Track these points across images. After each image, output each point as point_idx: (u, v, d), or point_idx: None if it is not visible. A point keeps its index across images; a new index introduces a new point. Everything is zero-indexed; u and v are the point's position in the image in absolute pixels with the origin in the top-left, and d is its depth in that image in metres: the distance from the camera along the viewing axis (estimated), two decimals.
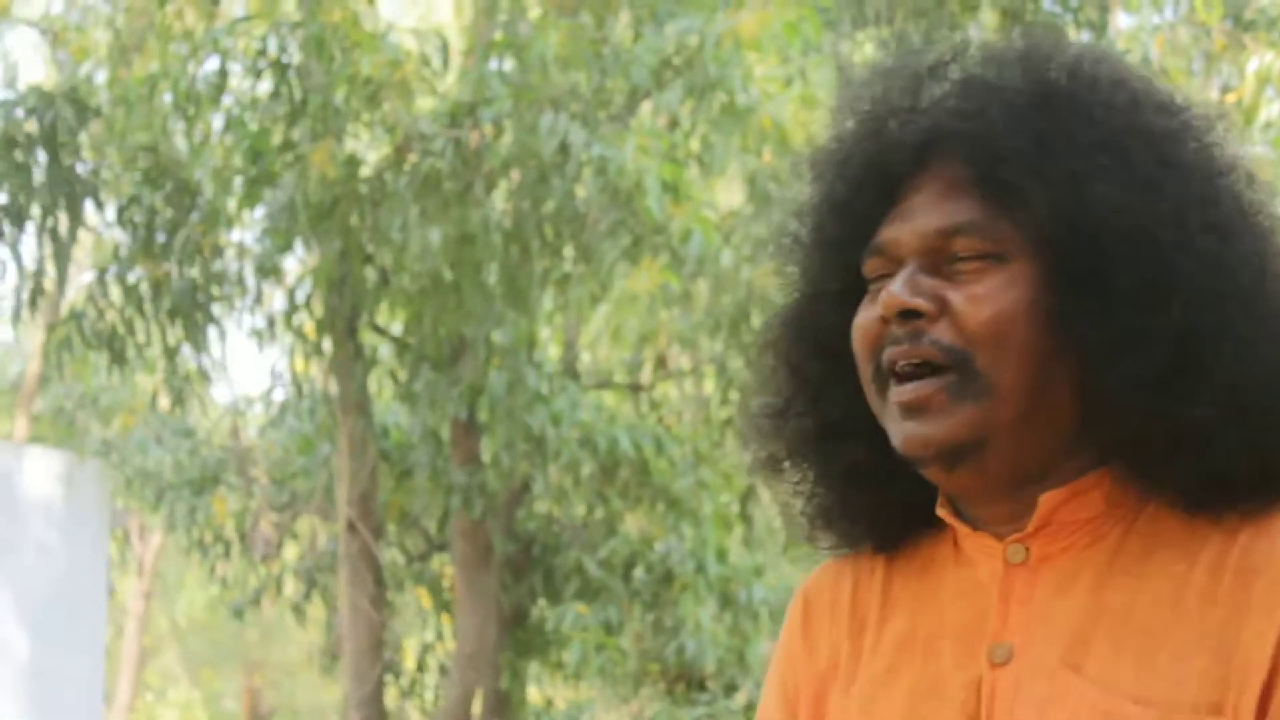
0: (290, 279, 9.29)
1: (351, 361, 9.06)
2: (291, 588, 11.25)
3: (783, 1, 7.51)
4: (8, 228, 8.72)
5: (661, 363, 10.89)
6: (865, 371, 1.42)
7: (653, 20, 7.93)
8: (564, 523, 10.01)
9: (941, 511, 1.46)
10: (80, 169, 8.87)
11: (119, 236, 9.20)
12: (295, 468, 10.61)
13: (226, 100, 8.30)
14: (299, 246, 8.80)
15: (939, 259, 1.39)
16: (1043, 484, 1.40)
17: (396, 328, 9.73)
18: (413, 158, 7.85)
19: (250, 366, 37.05)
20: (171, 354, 9.10)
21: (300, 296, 8.98)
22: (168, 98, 8.26)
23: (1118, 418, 1.36)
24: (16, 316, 8.93)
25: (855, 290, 1.45)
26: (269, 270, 8.92)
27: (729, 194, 10.52)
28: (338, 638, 10.23)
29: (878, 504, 1.50)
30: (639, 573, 9.75)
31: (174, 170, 8.74)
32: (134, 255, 8.92)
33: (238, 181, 8.41)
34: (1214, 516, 1.36)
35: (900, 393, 1.38)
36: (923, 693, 1.42)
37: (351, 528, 9.29)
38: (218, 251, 8.96)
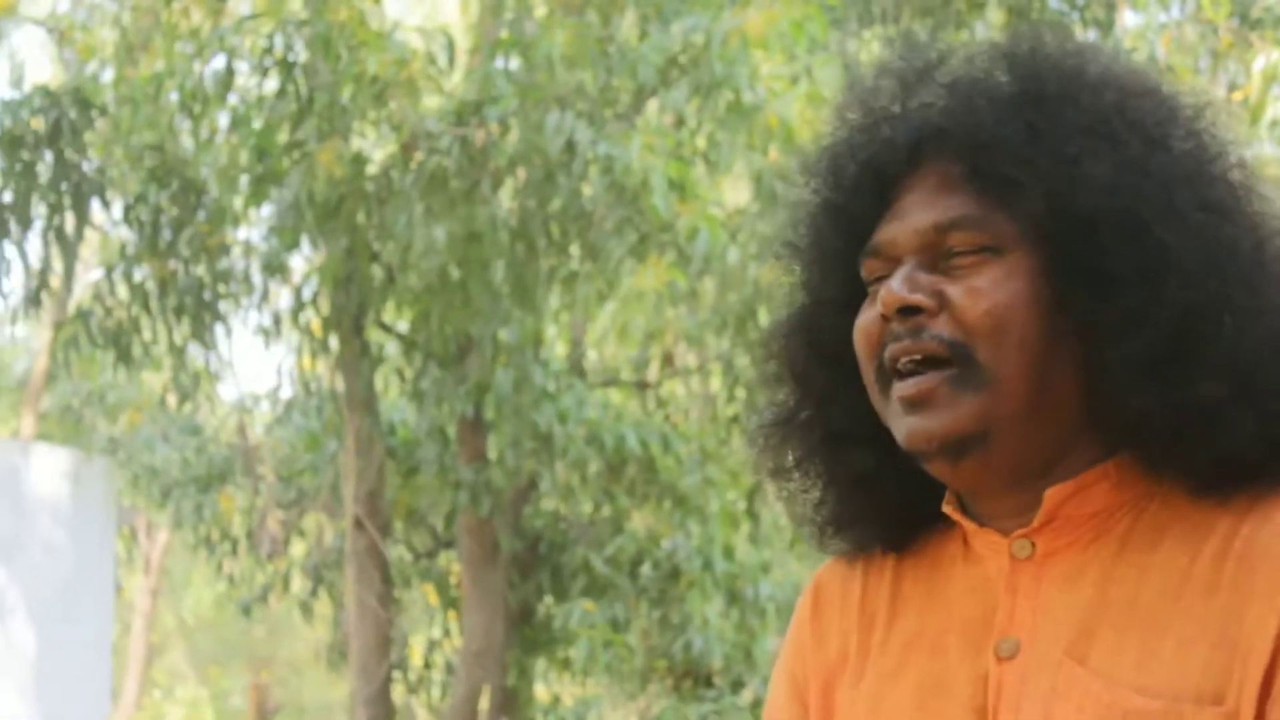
0: (297, 277, 9.30)
1: (358, 359, 9.07)
2: (298, 585, 11.26)
3: (789, 0, 7.51)
4: (14, 226, 8.73)
5: (668, 360, 10.89)
6: (868, 372, 1.43)
7: (659, 19, 7.93)
8: (571, 520, 10.02)
9: (948, 508, 1.46)
10: (86, 167, 8.89)
11: (125, 235, 9.22)
12: (302, 465, 10.62)
13: (233, 99, 8.31)
14: (305, 244, 8.80)
15: (936, 255, 1.40)
16: (1048, 477, 1.40)
17: (403, 325, 9.73)
18: (419, 156, 7.85)
19: (257, 364, 37.09)
20: (178, 352, 9.11)
21: (307, 294, 8.99)
22: (174, 96, 8.27)
23: (1122, 401, 1.36)
24: (23, 314, 8.95)
25: (857, 296, 1.45)
26: (275, 268, 8.93)
27: (735, 192, 10.52)
28: (345, 635, 10.24)
29: (887, 508, 1.51)
30: (646, 570, 9.75)
31: (180, 169, 8.75)
32: (140, 253, 8.93)
33: (244, 180, 8.42)
34: (1222, 500, 1.37)
35: (902, 388, 1.39)
36: (930, 688, 1.43)
37: (358, 525, 9.30)
38: (224, 249, 8.98)
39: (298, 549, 11.50)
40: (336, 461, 9.88)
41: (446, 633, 10.97)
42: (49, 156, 8.76)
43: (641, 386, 11.00)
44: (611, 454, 9.43)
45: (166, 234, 8.89)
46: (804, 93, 7.86)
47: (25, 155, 8.70)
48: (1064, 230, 1.36)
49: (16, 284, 32.94)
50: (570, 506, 9.97)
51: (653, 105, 8.31)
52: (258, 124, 8.24)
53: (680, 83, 7.71)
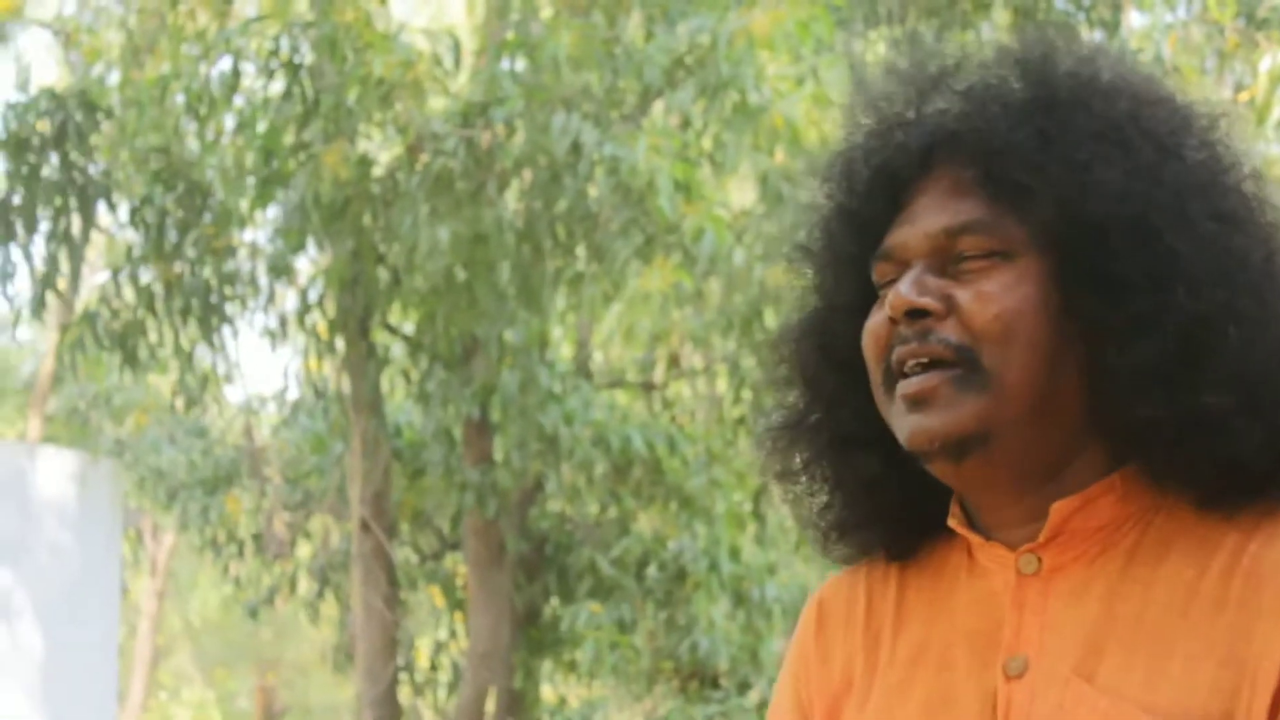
0: (303, 279, 9.31)
1: (364, 361, 9.07)
2: (305, 587, 11.26)
3: (795, 0, 7.51)
4: (20, 229, 8.73)
5: (674, 362, 10.89)
6: (875, 375, 1.43)
7: (665, 20, 7.93)
8: (577, 521, 10.02)
9: (953, 522, 1.46)
10: (92, 170, 8.89)
11: (131, 237, 9.22)
12: (308, 467, 10.63)
13: (238, 101, 8.32)
14: (311, 246, 8.81)
15: (946, 259, 1.40)
16: (1052, 485, 1.40)
17: (409, 327, 9.74)
18: (425, 158, 7.85)
19: (263, 366, 37.13)
20: (185, 354, 9.12)
21: (313, 296, 9.00)
22: (180, 98, 8.28)
23: (1127, 407, 1.36)
24: (30, 316, 8.96)
25: (868, 300, 1.45)
26: (281, 270, 8.93)
27: (741, 193, 10.52)
28: (351, 637, 10.24)
29: (892, 513, 1.50)
30: (652, 571, 9.75)
31: (186, 171, 8.75)
32: (146, 256, 8.94)
33: (250, 182, 8.43)
34: (1228, 514, 1.36)
35: (905, 386, 1.39)
36: (938, 704, 1.42)
37: (365, 527, 9.31)
38: (230, 252, 8.98)
39: (304, 551, 11.50)
40: (343, 463, 9.89)
41: (453, 634, 10.97)
42: (55, 159, 8.76)
43: (647, 388, 10.99)
44: (617, 455, 9.43)
45: (172, 236, 8.89)
46: (810, 93, 7.86)
47: (31, 158, 8.71)
48: (1074, 236, 1.36)
49: (23, 286, 33.00)
50: (576, 508, 9.97)
51: (658, 106, 8.32)
52: (263, 126, 8.24)
53: (686, 84, 7.71)
